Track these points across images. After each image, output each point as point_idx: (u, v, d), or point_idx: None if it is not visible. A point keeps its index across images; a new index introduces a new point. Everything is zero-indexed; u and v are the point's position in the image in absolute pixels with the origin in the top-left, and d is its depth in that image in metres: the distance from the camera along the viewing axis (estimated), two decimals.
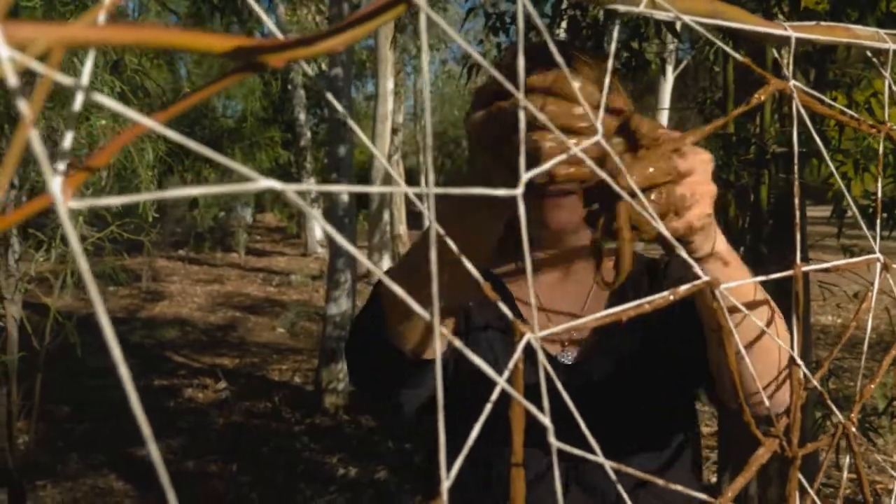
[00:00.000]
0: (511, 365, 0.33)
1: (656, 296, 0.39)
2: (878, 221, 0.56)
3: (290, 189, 0.28)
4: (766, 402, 0.59)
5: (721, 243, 0.70)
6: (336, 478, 4.16)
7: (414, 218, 15.99)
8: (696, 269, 0.39)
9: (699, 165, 0.59)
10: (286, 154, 13.28)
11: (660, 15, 0.42)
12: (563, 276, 1.05)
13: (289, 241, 15.74)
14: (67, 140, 0.27)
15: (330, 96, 0.37)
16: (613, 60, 0.45)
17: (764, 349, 0.76)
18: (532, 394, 0.77)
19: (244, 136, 12.17)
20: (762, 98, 0.52)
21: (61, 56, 0.20)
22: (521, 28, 0.30)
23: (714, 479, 3.77)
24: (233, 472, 4.27)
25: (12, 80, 0.21)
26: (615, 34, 0.39)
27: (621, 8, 0.40)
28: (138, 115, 0.26)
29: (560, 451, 0.36)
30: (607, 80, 0.46)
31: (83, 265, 0.22)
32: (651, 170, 0.56)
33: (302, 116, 12.56)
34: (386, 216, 10.58)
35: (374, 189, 0.28)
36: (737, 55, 0.47)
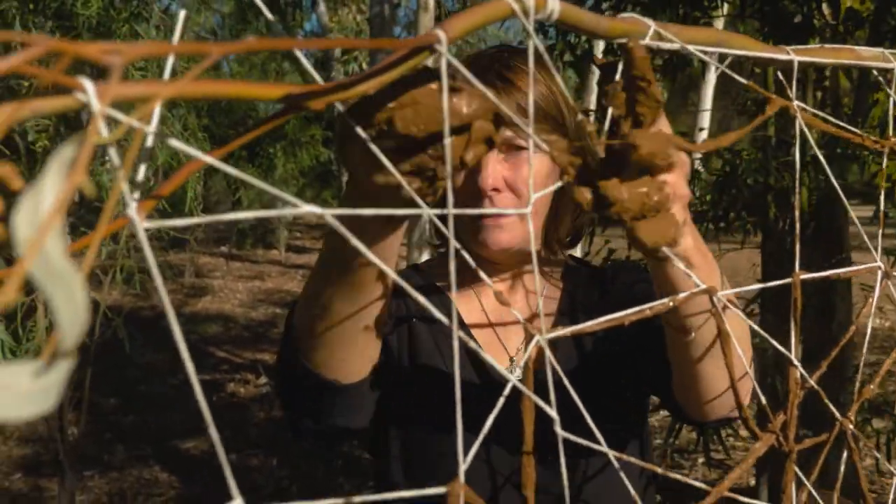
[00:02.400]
0: (522, 363, 0.37)
1: (657, 302, 0.42)
2: (881, 230, 0.59)
3: (328, 213, 0.33)
4: (743, 403, 0.56)
5: (688, 242, 0.60)
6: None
7: None
8: (694, 278, 0.43)
9: (680, 167, 0.52)
10: (326, 152, 13.41)
11: (667, 46, 0.46)
12: (510, 287, 1.02)
13: None
14: (141, 173, 0.32)
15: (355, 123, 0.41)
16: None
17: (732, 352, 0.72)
18: (479, 398, 0.77)
19: (286, 134, 12.33)
20: (767, 116, 0.55)
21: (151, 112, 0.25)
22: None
23: (753, 482, 3.75)
24: (273, 465, 4.36)
25: (106, 137, 0.26)
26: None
27: (629, 41, 0.44)
28: (198, 151, 0.31)
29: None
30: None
31: (162, 292, 0.27)
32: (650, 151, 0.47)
33: None
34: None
35: (401, 212, 0.33)
36: (741, 78, 0.51)
